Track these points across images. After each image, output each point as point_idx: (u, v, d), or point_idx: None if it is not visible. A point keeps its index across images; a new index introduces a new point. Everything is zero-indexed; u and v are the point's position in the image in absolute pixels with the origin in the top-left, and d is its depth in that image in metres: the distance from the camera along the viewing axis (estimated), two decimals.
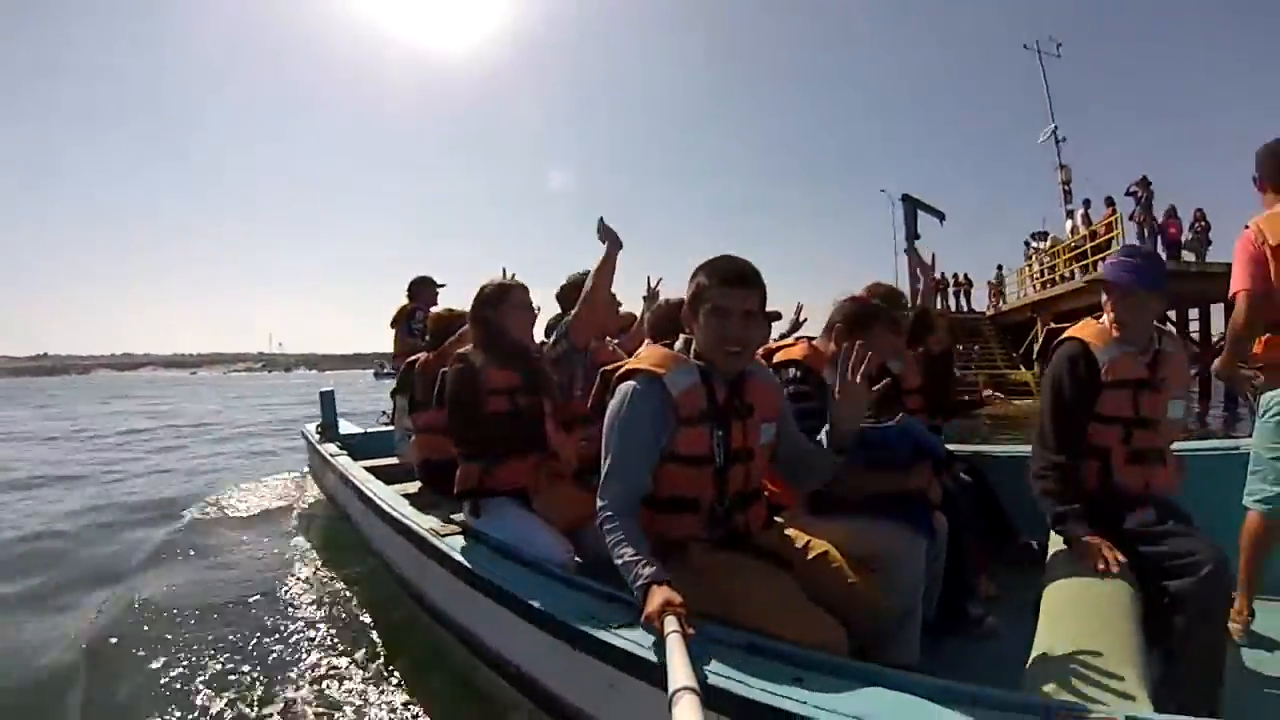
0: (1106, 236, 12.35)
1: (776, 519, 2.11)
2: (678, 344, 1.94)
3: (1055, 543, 2.17)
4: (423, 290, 5.40)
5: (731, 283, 1.72)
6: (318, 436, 5.09)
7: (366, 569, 3.89)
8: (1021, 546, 3.24)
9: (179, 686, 3.08)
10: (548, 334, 3.29)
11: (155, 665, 3.26)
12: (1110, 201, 13.13)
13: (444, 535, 2.58)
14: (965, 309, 19.77)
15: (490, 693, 2.46)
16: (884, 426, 2.30)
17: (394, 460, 4.56)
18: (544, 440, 2.73)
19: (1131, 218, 12.58)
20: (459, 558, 2.37)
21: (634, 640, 1.60)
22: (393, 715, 2.78)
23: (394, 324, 5.37)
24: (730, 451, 1.82)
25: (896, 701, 1.32)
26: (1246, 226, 2.40)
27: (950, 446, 3.49)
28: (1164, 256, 12.45)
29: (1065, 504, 1.94)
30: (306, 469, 6.48)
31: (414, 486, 3.68)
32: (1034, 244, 16.95)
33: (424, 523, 2.75)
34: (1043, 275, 15.26)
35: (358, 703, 2.88)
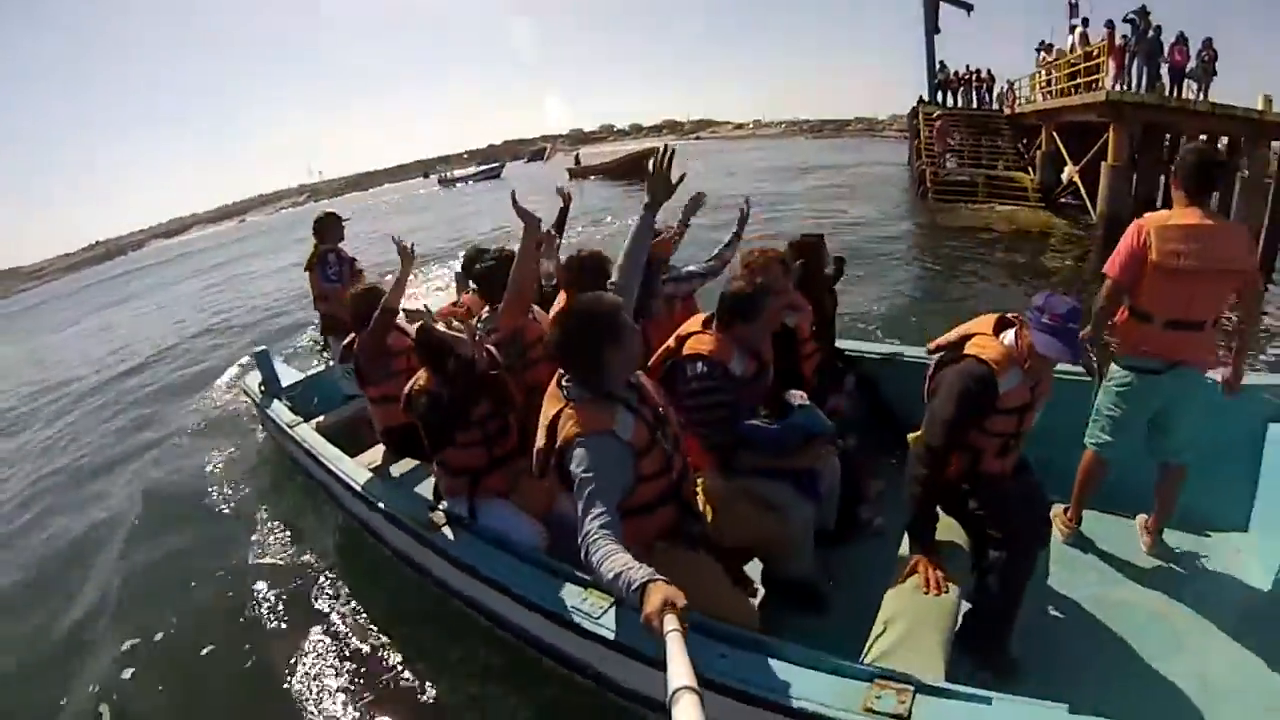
0: (1094, 62, 13.58)
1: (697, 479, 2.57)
2: None
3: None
4: (330, 229, 5.60)
5: (620, 305, 2.16)
6: (260, 393, 4.95)
7: (343, 531, 4.34)
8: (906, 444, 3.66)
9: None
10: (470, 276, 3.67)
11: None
12: (1109, 25, 13.99)
13: (440, 527, 2.92)
14: (985, 105, 21.28)
15: (500, 646, 3.09)
16: (772, 428, 2.73)
17: (346, 413, 4.85)
18: (515, 448, 3.10)
19: (1125, 47, 13.60)
20: (458, 553, 2.82)
21: (597, 619, 2.23)
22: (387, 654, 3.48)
23: (307, 268, 5.65)
24: (671, 447, 2.28)
25: (755, 663, 1.85)
26: (1142, 221, 2.73)
27: (844, 347, 4.04)
28: (1167, 84, 13.52)
29: (923, 518, 2.38)
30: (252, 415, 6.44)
31: (376, 453, 4.11)
32: (1039, 53, 17.94)
33: (418, 515, 3.03)
34: (1048, 85, 16.29)
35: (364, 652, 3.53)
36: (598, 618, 2.28)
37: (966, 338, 2.44)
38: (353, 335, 3.85)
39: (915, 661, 2.04)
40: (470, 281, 3.85)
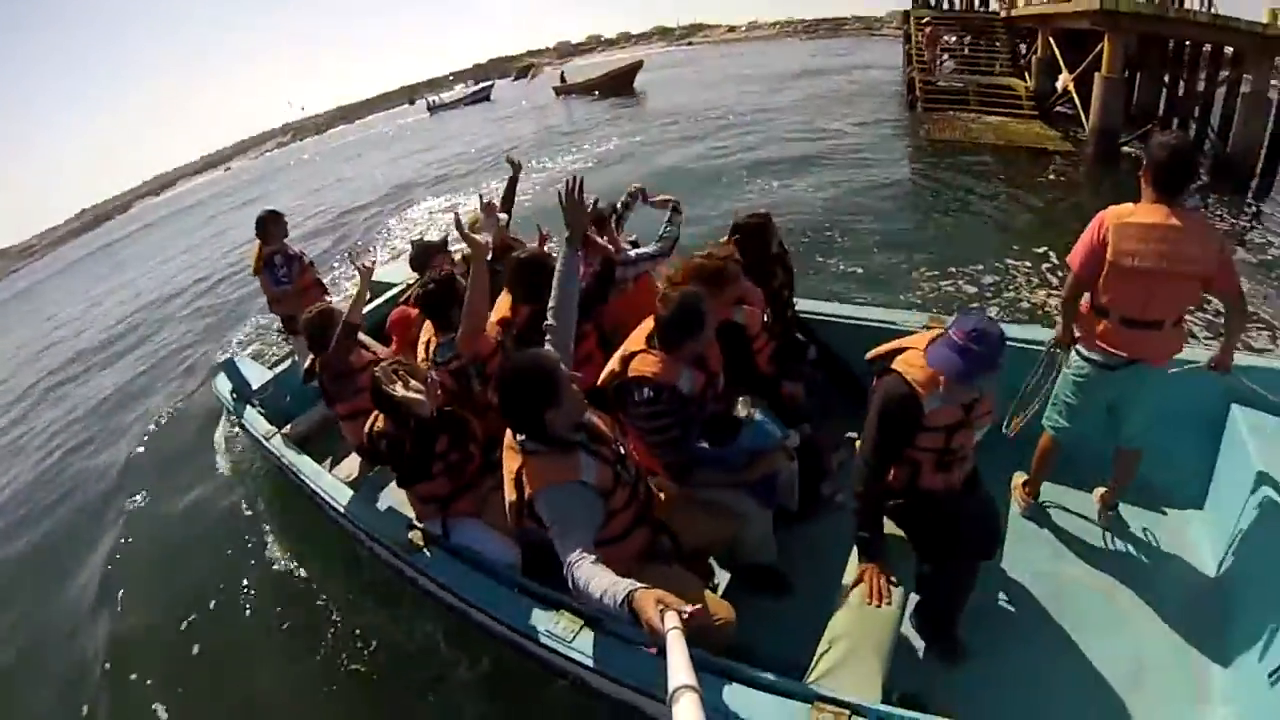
0: None
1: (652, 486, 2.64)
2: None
3: None
4: (273, 228, 5.49)
5: (557, 363, 2.20)
6: (233, 400, 5.00)
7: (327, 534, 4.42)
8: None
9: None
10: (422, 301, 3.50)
11: None
12: None
13: (422, 547, 3.03)
14: (981, 6, 20.33)
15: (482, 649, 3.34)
16: (720, 451, 2.81)
17: (318, 414, 4.95)
18: (479, 470, 3.19)
19: None
20: (440, 573, 2.94)
21: (563, 639, 2.36)
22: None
23: (255, 272, 5.61)
24: (632, 478, 2.41)
25: (703, 683, 1.65)
26: (1103, 214, 2.65)
27: (805, 310, 4.04)
28: None
29: (866, 530, 2.43)
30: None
31: (353, 462, 4.30)
32: None
33: (398, 536, 3.13)
34: None
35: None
36: (570, 641, 2.38)
37: (900, 351, 2.40)
38: (312, 357, 3.87)
39: (854, 683, 2.14)
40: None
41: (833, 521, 3.21)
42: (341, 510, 3.61)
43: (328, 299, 5.63)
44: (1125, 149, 12.13)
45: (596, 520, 2.19)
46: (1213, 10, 11.91)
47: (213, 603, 4.55)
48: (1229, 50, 11.52)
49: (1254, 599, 2.63)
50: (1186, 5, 12.48)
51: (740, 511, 2.84)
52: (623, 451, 2.45)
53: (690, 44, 64.78)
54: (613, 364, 2.78)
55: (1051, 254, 8.01)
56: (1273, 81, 10.73)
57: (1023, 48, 17.54)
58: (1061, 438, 3.10)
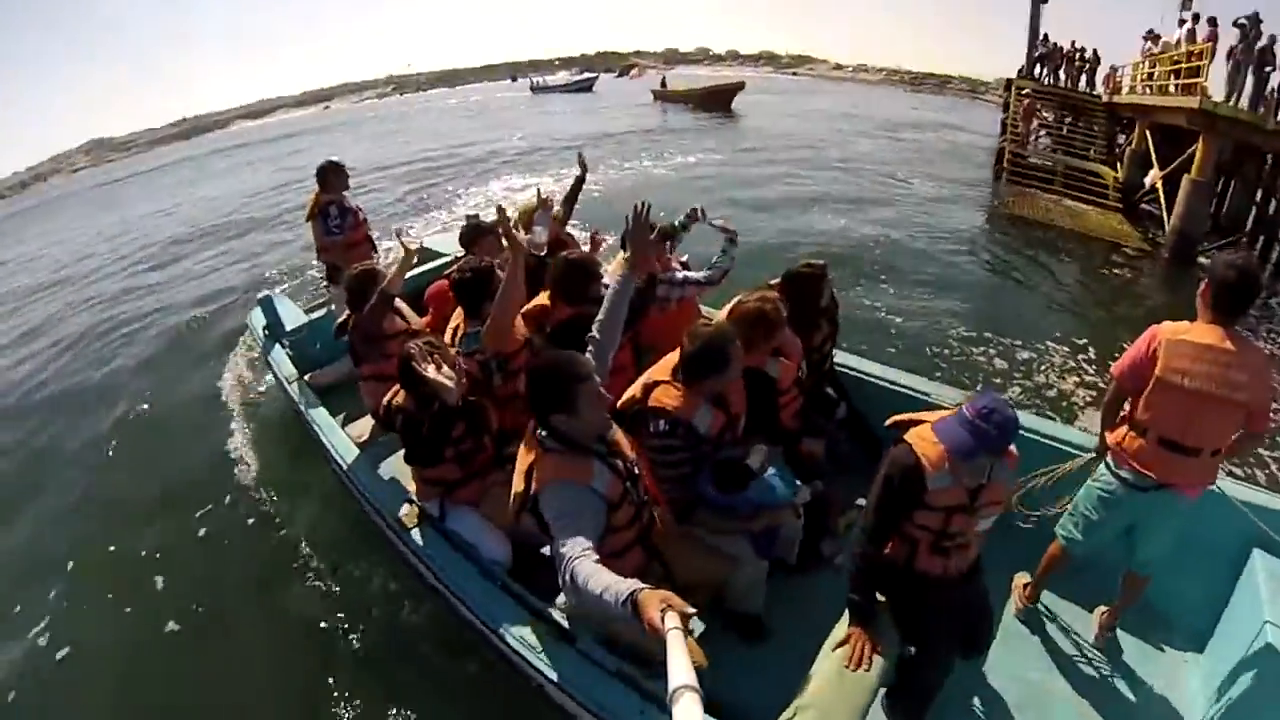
0: (1196, 64, 12.58)
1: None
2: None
3: None
4: (334, 179, 5.50)
5: (585, 377, 2.22)
6: (264, 336, 5.12)
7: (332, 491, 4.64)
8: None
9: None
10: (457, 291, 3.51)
11: None
12: (1213, 22, 12.94)
13: (416, 525, 3.11)
14: (1084, 87, 20.11)
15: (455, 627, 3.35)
16: (727, 499, 2.74)
17: (344, 368, 4.81)
18: (489, 461, 3.23)
19: (1230, 55, 12.55)
20: (428, 554, 2.99)
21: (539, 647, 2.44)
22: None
23: (309, 218, 5.59)
24: (640, 499, 2.46)
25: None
26: (1157, 328, 2.60)
27: (843, 364, 4.06)
28: (1277, 101, 12.24)
29: (858, 593, 2.41)
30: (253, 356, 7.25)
31: (367, 423, 4.20)
32: (1145, 43, 16.61)
33: (394, 507, 3.22)
34: (1149, 78, 15.16)
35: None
36: (540, 650, 2.47)
37: (917, 423, 2.39)
38: (348, 314, 3.96)
39: None
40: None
41: (827, 581, 3.19)
42: (345, 468, 3.70)
43: (375, 256, 5.82)
44: (1201, 259, 11.76)
45: (596, 527, 2.20)
46: None
47: (197, 532, 4.90)
48: None
49: None
50: None
51: (736, 556, 2.85)
52: (636, 471, 2.49)
53: (795, 74, 64.68)
54: (635, 390, 2.78)
55: (1092, 349, 7.97)
56: None
57: (1120, 137, 17.28)
58: (1073, 550, 3.01)
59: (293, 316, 5.39)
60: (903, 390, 3.89)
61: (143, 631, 4.15)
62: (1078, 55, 20.68)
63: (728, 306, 3.17)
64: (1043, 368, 7.57)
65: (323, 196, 5.51)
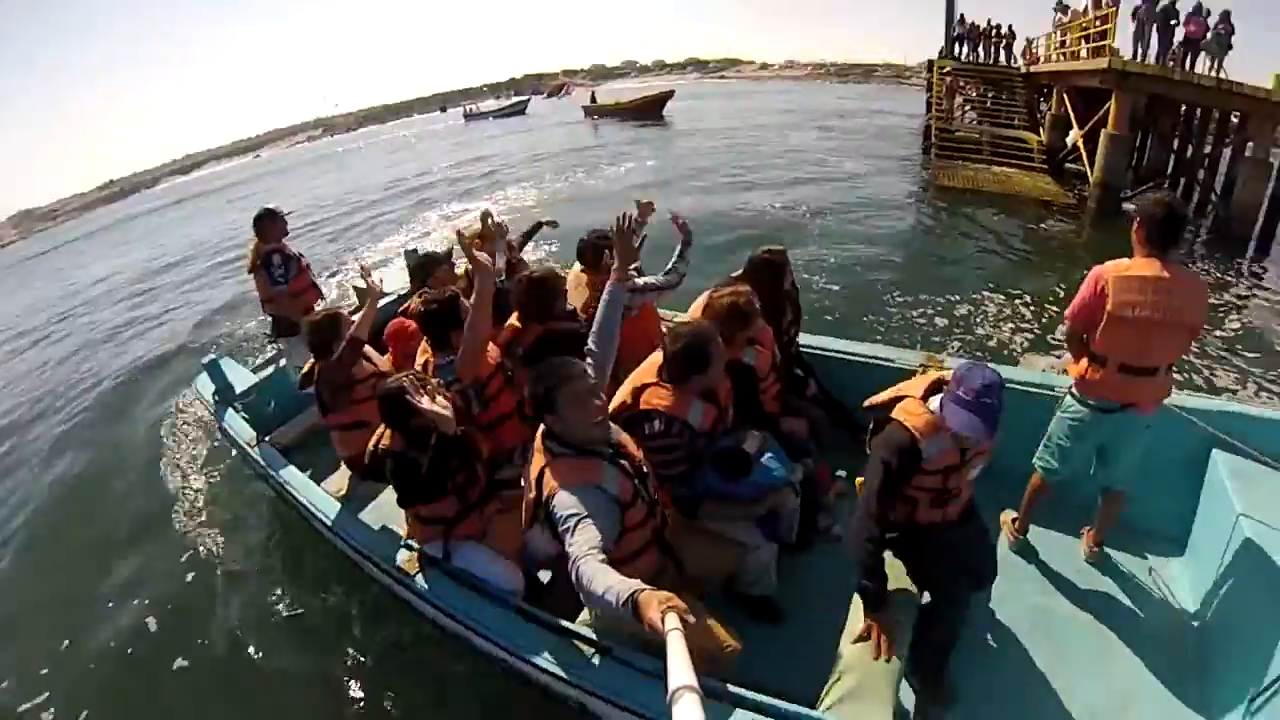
0: (1103, 27, 13.10)
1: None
2: None
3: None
4: (271, 227, 5.30)
5: (566, 379, 2.26)
6: (215, 402, 4.85)
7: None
8: (863, 441, 3.81)
9: None
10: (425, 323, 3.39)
11: None
12: None
13: (419, 570, 3.00)
14: (1002, 61, 20.84)
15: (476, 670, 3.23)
16: (730, 487, 2.81)
17: (305, 421, 4.91)
18: (484, 491, 3.11)
19: (1134, 15, 13.31)
20: (438, 597, 2.91)
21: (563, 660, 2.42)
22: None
23: (251, 270, 5.34)
24: (652, 498, 2.46)
25: (722, 713, 1.94)
26: (1101, 269, 2.81)
27: (804, 344, 4.09)
28: (1182, 55, 13.15)
29: (871, 581, 2.42)
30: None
31: (343, 476, 4.13)
32: (1056, 15, 17.21)
33: (398, 557, 3.10)
34: (1062, 46, 15.80)
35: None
36: (582, 668, 2.43)
37: (898, 399, 2.49)
38: (312, 362, 3.78)
39: (868, 710, 2.26)
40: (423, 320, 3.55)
41: (828, 553, 3.35)
42: (331, 525, 3.54)
43: (321, 303, 5.63)
44: (1127, 206, 12.39)
45: (611, 528, 2.21)
46: (1220, 75, 12.28)
47: (175, 623, 4.45)
48: (1235, 116, 11.90)
49: (1233, 636, 2.75)
50: (1198, 70, 12.82)
51: (744, 542, 2.90)
52: (646, 470, 2.51)
53: (723, 78, 65.71)
54: (623, 395, 2.81)
55: (1029, 297, 8.34)
56: (1276, 149, 11.06)
57: (1041, 104, 17.97)
58: (1051, 479, 3.20)
59: (241, 378, 5.17)
60: (865, 360, 4.04)
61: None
62: (994, 32, 21.35)
63: (699, 303, 3.26)
64: (981, 319, 7.86)
65: (263, 246, 5.30)
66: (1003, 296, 8.41)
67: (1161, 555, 3.37)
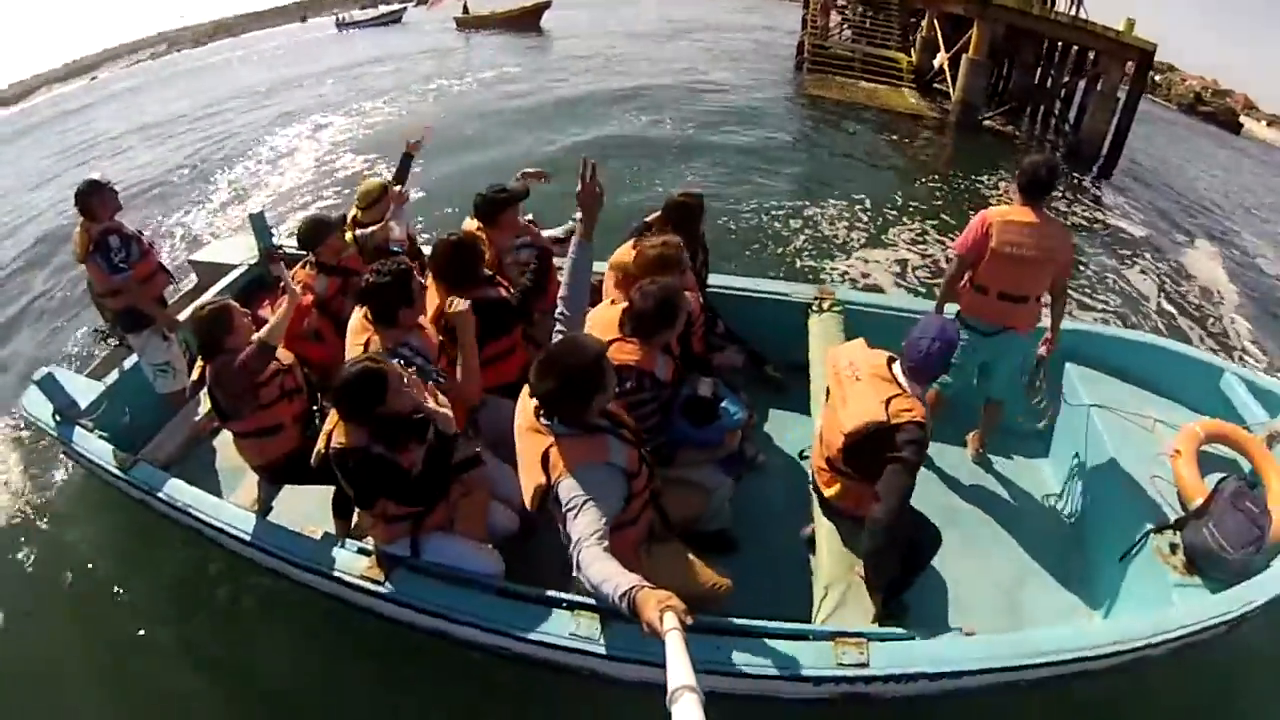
0: None
1: None
2: None
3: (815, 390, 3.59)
4: (99, 203, 4.32)
5: (608, 371, 2.26)
6: (56, 422, 4.00)
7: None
8: (767, 375, 4.37)
9: None
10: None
11: None
12: None
13: (386, 574, 2.86)
14: None
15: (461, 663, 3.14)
16: (701, 433, 3.06)
17: (178, 433, 4.40)
18: (449, 479, 2.96)
19: None
20: (414, 596, 2.82)
21: (554, 633, 2.51)
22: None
23: (82, 259, 4.34)
24: (650, 460, 2.50)
25: (746, 645, 2.29)
26: (986, 213, 3.40)
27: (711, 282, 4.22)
28: None
29: (892, 587, 2.74)
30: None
31: (250, 488, 3.74)
32: None
33: (355, 567, 2.91)
34: None
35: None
36: (590, 636, 2.53)
37: (886, 401, 2.57)
38: (201, 365, 3.30)
39: (857, 616, 2.61)
40: (361, 300, 3.20)
41: (758, 480, 3.74)
42: (266, 547, 3.21)
43: (173, 285, 4.97)
44: (985, 123, 13.59)
45: (616, 504, 2.25)
46: (1080, 14, 13.56)
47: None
48: (1091, 53, 13.07)
49: (1099, 512, 3.49)
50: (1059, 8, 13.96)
51: (707, 484, 3.16)
52: (643, 435, 2.57)
53: None
54: None
55: (899, 211, 9.05)
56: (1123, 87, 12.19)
57: (911, 24, 18.45)
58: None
59: (83, 389, 4.28)
60: (760, 296, 4.41)
61: None
62: None
63: (623, 252, 3.43)
64: (856, 235, 8.49)
65: (94, 228, 4.25)
66: (874, 209, 9.00)
67: (1033, 451, 4.16)
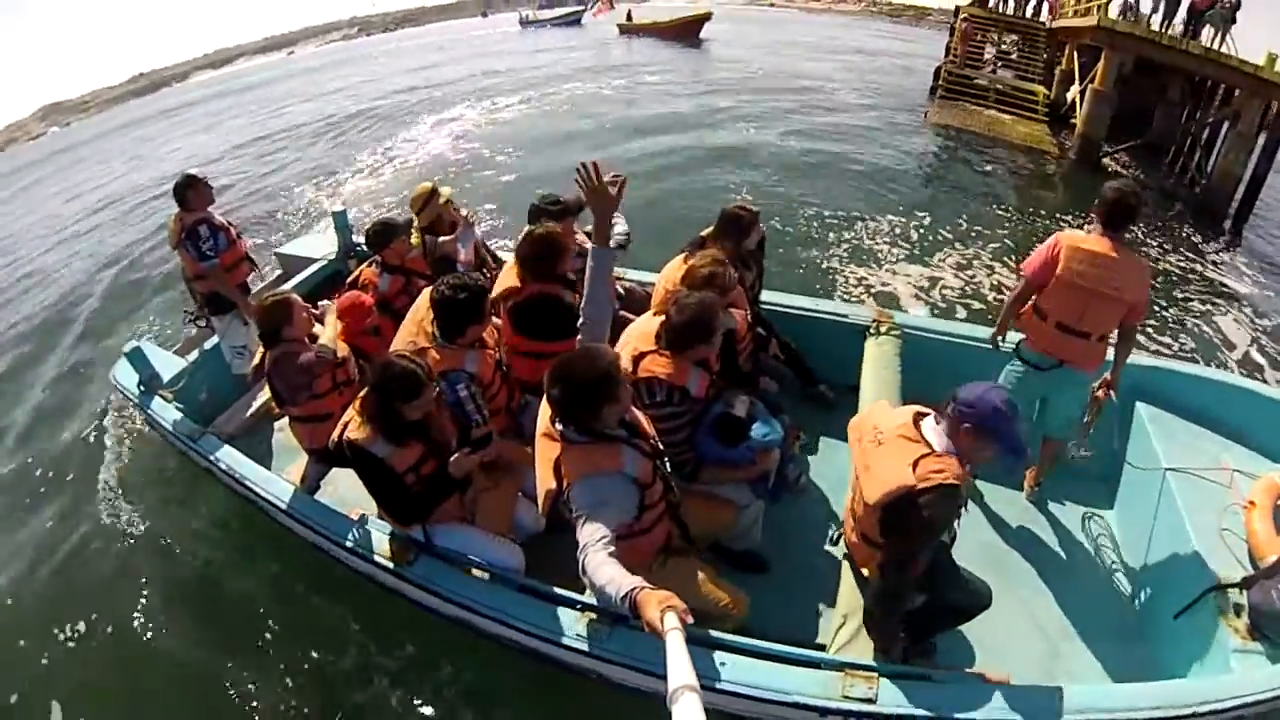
0: None
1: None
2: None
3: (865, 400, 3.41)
4: (195, 195, 4.82)
5: (619, 383, 2.27)
6: (140, 393, 4.44)
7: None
8: (818, 394, 4.30)
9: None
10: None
11: None
12: None
13: (411, 558, 3.00)
14: (1029, 15, 21.12)
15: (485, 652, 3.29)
16: (731, 452, 3.00)
17: (246, 408, 4.78)
18: (432, 508, 3.00)
19: None
20: (436, 583, 2.92)
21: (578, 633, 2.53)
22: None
23: (175, 245, 4.87)
24: (666, 474, 2.53)
25: (751, 665, 2.20)
26: (1060, 236, 3.22)
27: (765, 301, 4.26)
28: (1184, 24, 13.88)
29: (903, 646, 2.59)
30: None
31: (299, 467, 3.97)
32: None
33: (385, 546, 3.07)
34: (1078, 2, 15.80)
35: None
36: (604, 641, 2.59)
37: (914, 463, 2.31)
38: (263, 351, 3.62)
39: (869, 652, 2.53)
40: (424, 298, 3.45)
41: (797, 503, 3.73)
42: (305, 521, 3.47)
43: (256, 273, 5.49)
44: (1105, 161, 13.32)
45: (627, 514, 2.31)
46: (1225, 47, 12.74)
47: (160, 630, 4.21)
48: (1227, 89, 12.30)
49: (1159, 571, 3.24)
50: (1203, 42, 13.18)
51: (736, 501, 3.13)
52: (661, 448, 2.58)
53: (772, 4, 64.51)
54: (624, 364, 2.68)
55: (987, 240, 9.18)
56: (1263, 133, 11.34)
57: (1056, 57, 18.24)
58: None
59: (167, 364, 4.76)
60: (814, 315, 4.38)
61: None
62: None
63: (674, 267, 3.56)
64: (937, 258, 8.71)
65: (187, 218, 4.79)
66: (962, 235, 9.25)
67: (1095, 497, 3.88)
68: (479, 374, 3.20)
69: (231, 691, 3.74)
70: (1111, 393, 3.41)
